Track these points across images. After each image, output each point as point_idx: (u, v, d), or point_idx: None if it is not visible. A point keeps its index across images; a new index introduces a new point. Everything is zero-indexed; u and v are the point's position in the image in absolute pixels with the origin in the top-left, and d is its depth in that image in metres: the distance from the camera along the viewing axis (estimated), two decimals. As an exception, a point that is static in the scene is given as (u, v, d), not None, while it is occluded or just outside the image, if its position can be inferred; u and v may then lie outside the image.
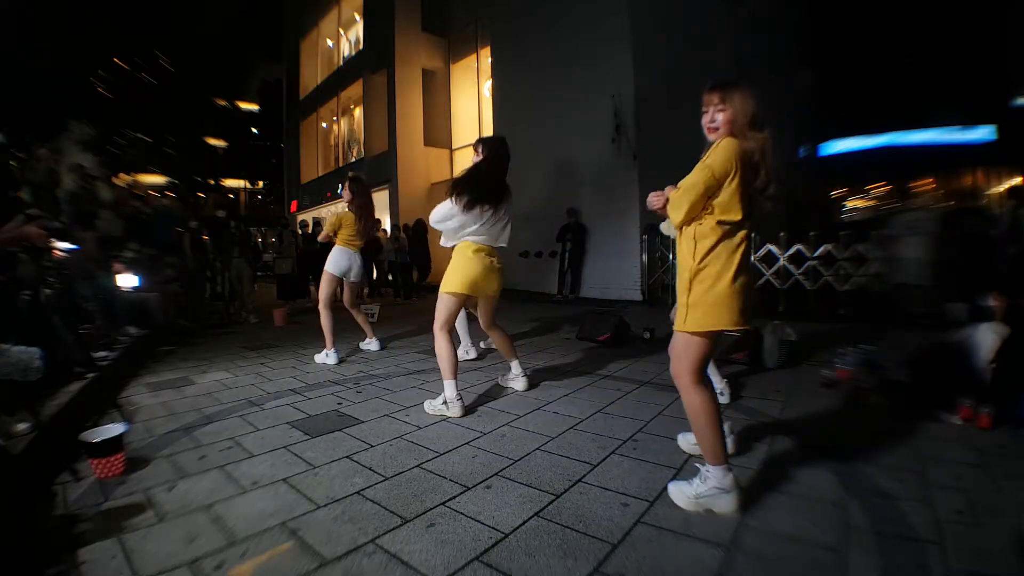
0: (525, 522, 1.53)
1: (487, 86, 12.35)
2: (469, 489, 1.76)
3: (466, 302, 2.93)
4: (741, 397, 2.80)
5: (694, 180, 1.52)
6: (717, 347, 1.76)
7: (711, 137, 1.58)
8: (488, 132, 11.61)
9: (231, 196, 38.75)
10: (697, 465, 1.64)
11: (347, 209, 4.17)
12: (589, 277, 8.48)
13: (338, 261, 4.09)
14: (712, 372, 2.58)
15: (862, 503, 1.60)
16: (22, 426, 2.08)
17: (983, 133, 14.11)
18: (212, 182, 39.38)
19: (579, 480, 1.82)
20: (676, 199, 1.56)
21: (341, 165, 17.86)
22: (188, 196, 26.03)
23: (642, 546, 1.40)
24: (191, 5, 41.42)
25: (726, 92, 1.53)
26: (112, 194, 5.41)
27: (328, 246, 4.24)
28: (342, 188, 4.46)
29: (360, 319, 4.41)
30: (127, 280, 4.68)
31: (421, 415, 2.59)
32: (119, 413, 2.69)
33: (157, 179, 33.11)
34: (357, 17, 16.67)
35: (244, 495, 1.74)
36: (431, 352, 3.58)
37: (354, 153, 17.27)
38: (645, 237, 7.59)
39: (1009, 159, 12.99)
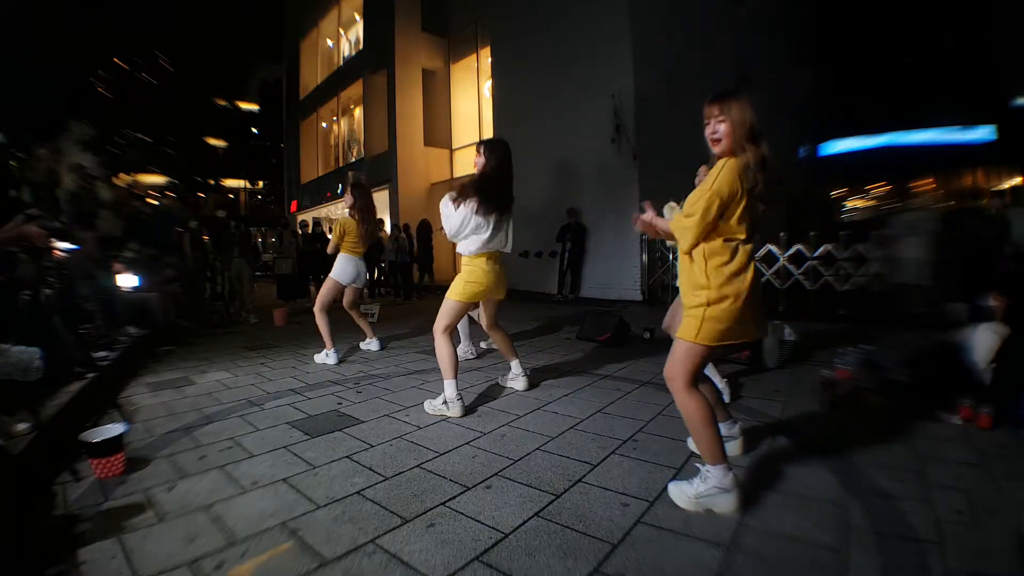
0: (525, 522, 1.54)
1: (487, 86, 12.34)
2: (469, 489, 1.76)
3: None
4: (741, 397, 2.80)
5: (702, 207, 1.51)
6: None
7: (715, 149, 1.58)
8: (488, 132, 11.62)
9: (231, 196, 38.79)
10: (697, 465, 1.64)
11: (348, 215, 4.17)
12: (589, 277, 8.48)
13: (346, 270, 4.08)
14: (712, 372, 2.58)
15: (862, 503, 1.60)
16: (22, 426, 2.08)
17: (983, 133, 14.12)
18: (212, 182, 39.40)
19: (579, 480, 1.82)
20: (683, 228, 1.56)
21: (341, 165, 17.86)
22: (188, 196, 26.02)
23: (642, 546, 1.40)
24: (191, 5, 41.50)
25: (724, 103, 1.54)
26: (112, 194, 5.41)
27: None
28: (342, 188, 4.46)
29: (360, 319, 4.41)
30: (127, 280, 4.69)
31: (421, 415, 2.59)
32: (119, 413, 2.69)
33: (157, 179, 33.10)
34: (357, 17, 16.67)
35: (244, 495, 1.74)
36: (431, 352, 3.58)
37: (354, 153, 17.27)
38: (645, 237, 7.58)
39: (1009, 159, 13.00)
